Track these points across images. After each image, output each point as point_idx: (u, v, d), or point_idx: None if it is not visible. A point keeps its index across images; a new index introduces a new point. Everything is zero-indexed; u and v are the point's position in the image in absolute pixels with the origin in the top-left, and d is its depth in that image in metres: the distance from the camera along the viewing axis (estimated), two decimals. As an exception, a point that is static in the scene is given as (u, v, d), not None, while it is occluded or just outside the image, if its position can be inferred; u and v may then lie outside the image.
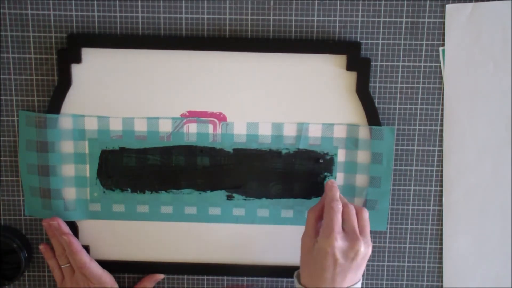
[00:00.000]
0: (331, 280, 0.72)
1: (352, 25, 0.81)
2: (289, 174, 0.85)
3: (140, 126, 0.83)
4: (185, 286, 0.90)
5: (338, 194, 0.77)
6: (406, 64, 0.82)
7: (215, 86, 0.82)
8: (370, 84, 0.82)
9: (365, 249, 0.73)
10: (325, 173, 0.85)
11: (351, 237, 0.73)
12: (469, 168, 0.85)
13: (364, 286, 0.89)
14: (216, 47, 0.80)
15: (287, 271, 0.88)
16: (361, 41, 0.81)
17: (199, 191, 0.85)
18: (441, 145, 0.84)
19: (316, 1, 0.80)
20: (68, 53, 0.80)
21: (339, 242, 0.72)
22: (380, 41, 0.81)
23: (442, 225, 0.87)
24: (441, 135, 0.84)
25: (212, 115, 0.83)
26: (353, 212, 0.76)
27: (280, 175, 0.85)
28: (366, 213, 0.77)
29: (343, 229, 0.75)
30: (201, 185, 0.85)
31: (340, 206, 0.75)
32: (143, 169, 0.85)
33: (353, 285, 0.74)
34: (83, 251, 0.84)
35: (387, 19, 0.80)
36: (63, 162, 0.84)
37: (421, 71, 0.82)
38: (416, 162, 0.85)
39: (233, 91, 0.82)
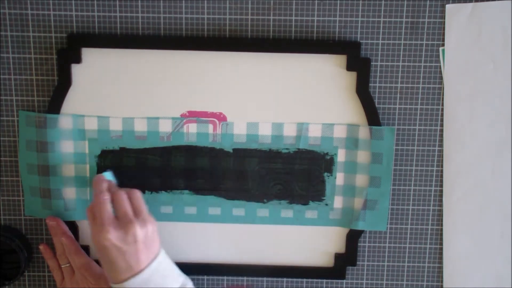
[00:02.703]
0: (127, 268, 0.73)
1: (352, 25, 0.81)
2: (289, 174, 0.85)
3: (140, 126, 0.83)
4: (185, 286, 0.90)
5: (103, 185, 0.78)
6: (406, 64, 0.82)
7: (215, 86, 0.82)
8: (370, 84, 0.82)
9: (141, 228, 0.74)
10: (325, 173, 0.85)
11: (124, 222, 0.74)
12: (469, 168, 0.84)
13: (364, 286, 0.89)
14: (216, 47, 0.80)
15: (287, 271, 0.88)
16: (361, 41, 0.81)
17: (199, 191, 0.86)
18: (441, 145, 0.84)
19: (316, 1, 0.80)
20: (68, 53, 0.80)
21: (113, 233, 0.73)
22: (380, 41, 0.81)
23: (442, 225, 0.87)
24: (441, 135, 0.84)
25: (212, 115, 0.83)
26: (123, 197, 0.76)
27: (280, 175, 0.85)
28: (137, 193, 0.77)
29: (116, 217, 0.75)
30: (201, 185, 0.85)
31: (107, 197, 0.75)
32: (143, 169, 0.85)
33: (154, 260, 0.75)
34: (83, 252, 0.84)
35: (387, 19, 0.80)
36: (63, 162, 0.84)
37: (421, 71, 0.82)
38: (416, 162, 0.85)
39: (233, 91, 0.82)
